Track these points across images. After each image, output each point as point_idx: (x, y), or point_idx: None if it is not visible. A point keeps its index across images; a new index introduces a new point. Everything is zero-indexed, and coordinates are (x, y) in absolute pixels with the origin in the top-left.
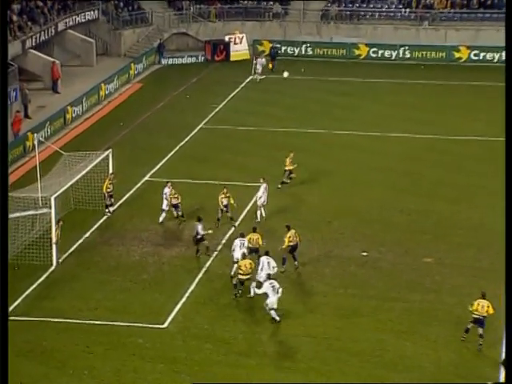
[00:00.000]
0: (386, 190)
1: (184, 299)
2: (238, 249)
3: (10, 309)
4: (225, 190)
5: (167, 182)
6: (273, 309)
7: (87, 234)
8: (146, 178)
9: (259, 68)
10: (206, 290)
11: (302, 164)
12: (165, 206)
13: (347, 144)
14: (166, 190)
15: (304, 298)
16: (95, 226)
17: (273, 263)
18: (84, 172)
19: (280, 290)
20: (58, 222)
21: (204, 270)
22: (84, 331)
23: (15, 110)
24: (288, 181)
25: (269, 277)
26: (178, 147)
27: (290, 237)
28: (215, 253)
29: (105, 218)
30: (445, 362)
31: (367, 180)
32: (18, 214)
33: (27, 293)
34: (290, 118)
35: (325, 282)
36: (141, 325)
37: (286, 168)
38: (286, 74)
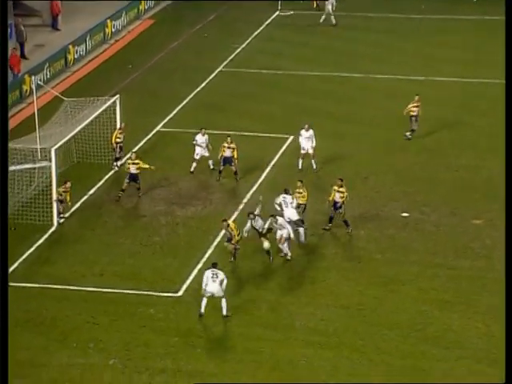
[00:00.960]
0: (430, 143)
1: (200, 265)
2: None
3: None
4: (228, 140)
5: (201, 129)
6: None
7: (92, 191)
8: (158, 128)
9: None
10: (225, 253)
11: (334, 112)
12: (196, 156)
13: (386, 90)
14: (198, 137)
15: (336, 264)
16: (101, 182)
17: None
18: (88, 121)
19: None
20: (65, 183)
21: (223, 231)
22: (88, 300)
23: (11, 48)
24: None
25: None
26: (193, 94)
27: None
28: (236, 212)
29: (112, 172)
30: (496, 338)
31: (408, 130)
32: (14, 168)
33: (25, 256)
34: (322, 61)
35: (359, 247)
36: (152, 293)
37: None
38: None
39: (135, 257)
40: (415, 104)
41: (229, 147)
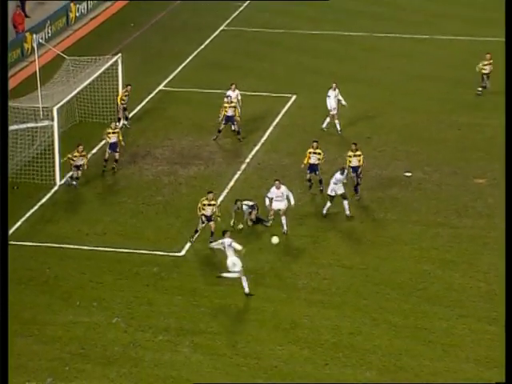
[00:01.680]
0: (433, 102)
1: (203, 224)
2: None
3: (10, 232)
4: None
5: (231, 85)
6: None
7: (94, 150)
8: (161, 87)
9: None
10: (227, 214)
11: (335, 73)
12: (225, 113)
13: (389, 48)
14: (230, 93)
15: (337, 224)
16: (103, 142)
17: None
18: (90, 80)
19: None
20: (77, 147)
21: (226, 191)
22: (91, 258)
23: (12, 6)
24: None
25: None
26: (196, 52)
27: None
28: (239, 172)
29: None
30: (498, 296)
31: (411, 90)
32: (16, 127)
33: (28, 215)
34: (324, 19)
35: (362, 206)
36: (155, 252)
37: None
38: (275, 241)
39: (138, 216)
40: (487, 62)
41: (230, 106)
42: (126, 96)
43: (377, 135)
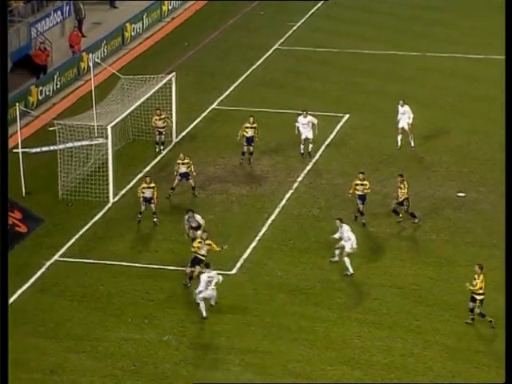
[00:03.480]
0: (488, 122)
1: (255, 243)
2: None
3: (64, 249)
4: (251, 120)
5: (303, 111)
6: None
7: (147, 168)
8: (214, 106)
9: None
10: (279, 232)
11: (389, 93)
12: (302, 136)
13: (444, 68)
14: (301, 119)
15: (391, 244)
16: (156, 160)
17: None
18: (144, 98)
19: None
20: (145, 179)
21: (278, 210)
22: (144, 276)
23: (69, 26)
24: None
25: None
26: (249, 71)
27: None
28: (290, 191)
29: (167, 149)
30: None
31: (466, 110)
32: (71, 145)
33: (82, 232)
34: (377, 39)
35: (415, 227)
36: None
37: None
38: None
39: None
40: None
41: (251, 127)
42: (158, 120)
43: (430, 155)
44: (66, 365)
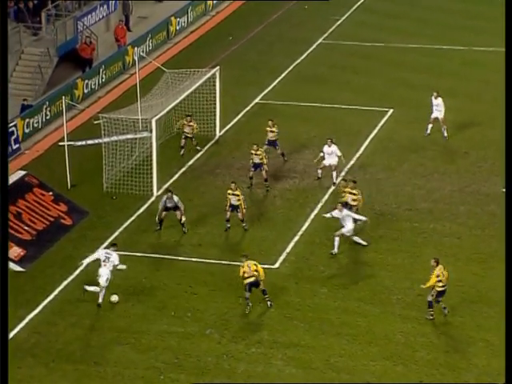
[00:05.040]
0: None
1: (297, 237)
2: None
3: (108, 242)
4: (270, 123)
5: (328, 139)
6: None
7: (191, 162)
8: (257, 100)
9: None
10: (322, 227)
11: (433, 87)
12: (323, 163)
13: (489, 62)
14: (325, 149)
15: (434, 240)
16: (200, 153)
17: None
18: (188, 92)
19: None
20: (231, 184)
21: (320, 204)
22: (186, 269)
23: (115, 20)
24: None
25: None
26: (293, 66)
27: (438, 275)
28: (333, 186)
29: (211, 143)
30: None
31: None
32: (115, 138)
33: (125, 225)
34: (422, 33)
35: (459, 222)
36: None
37: None
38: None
39: (233, 228)
40: None
41: (271, 131)
42: (187, 126)
43: (475, 150)
44: (109, 356)
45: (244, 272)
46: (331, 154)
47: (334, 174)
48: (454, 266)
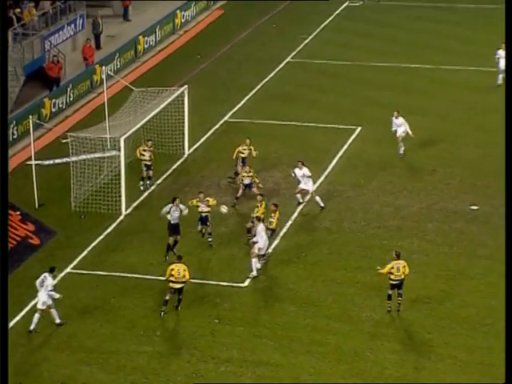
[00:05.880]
0: (501, 135)
1: (267, 256)
2: None
3: (76, 261)
4: (248, 141)
5: (298, 162)
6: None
7: (159, 181)
8: (226, 118)
9: None
10: (291, 245)
11: (401, 105)
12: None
13: (457, 81)
14: (297, 171)
15: (403, 257)
16: (169, 172)
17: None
18: (157, 111)
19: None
20: (198, 195)
21: (290, 223)
22: (155, 288)
23: (82, 39)
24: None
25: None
26: (261, 84)
27: (392, 268)
28: (302, 204)
29: (180, 162)
30: None
31: (480, 123)
32: (84, 157)
33: (94, 244)
34: (390, 52)
35: (427, 239)
36: (218, 283)
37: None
38: (224, 210)
39: (202, 247)
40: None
41: (248, 176)
42: (145, 151)
43: (442, 168)
44: (77, 377)
45: (172, 275)
46: (303, 177)
47: (318, 198)
48: (422, 283)
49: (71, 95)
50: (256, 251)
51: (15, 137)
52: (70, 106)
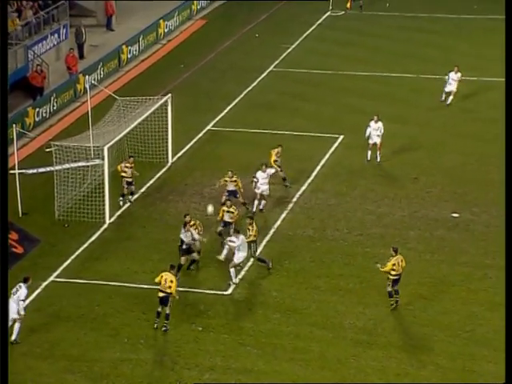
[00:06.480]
0: (483, 144)
1: (250, 263)
2: None
3: (60, 270)
4: (230, 174)
5: (262, 164)
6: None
7: (143, 189)
8: (209, 127)
9: None
10: (274, 253)
11: (383, 114)
12: (257, 190)
13: (438, 90)
14: (259, 174)
15: (385, 265)
16: (152, 180)
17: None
18: (140, 119)
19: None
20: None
21: (273, 230)
22: (139, 296)
23: (66, 48)
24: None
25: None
26: (244, 93)
27: (394, 264)
28: (285, 212)
29: (163, 170)
30: None
31: (461, 132)
32: (67, 166)
33: (78, 253)
34: (372, 61)
35: (409, 247)
36: (202, 291)
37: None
38: (210, 210)
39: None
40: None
41: (232, 181)
42: (127, 168)
43: (424, 176)
44: None
45: (159, 283)
46: (266, 179)
47: (263, 203)
48: (404, 291)
49: (55, 104)
50: (236, 261)
51: None
52: (53, 115)
